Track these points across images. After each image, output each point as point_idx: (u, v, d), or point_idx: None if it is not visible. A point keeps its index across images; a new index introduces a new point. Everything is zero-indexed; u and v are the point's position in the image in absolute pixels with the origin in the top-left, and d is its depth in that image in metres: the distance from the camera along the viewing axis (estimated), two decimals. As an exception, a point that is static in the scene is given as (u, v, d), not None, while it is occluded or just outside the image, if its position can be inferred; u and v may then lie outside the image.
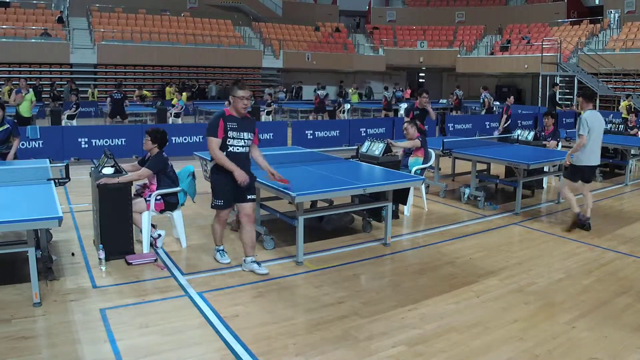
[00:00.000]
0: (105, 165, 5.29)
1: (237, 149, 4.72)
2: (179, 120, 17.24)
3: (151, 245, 5.53)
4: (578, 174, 6.48)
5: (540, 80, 24.23)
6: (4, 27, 21.76)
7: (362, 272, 5.09)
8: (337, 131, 13.98)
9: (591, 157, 6.36)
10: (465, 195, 7.85)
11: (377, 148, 6.91)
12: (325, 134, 13.74)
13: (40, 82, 21.34)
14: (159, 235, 5.68)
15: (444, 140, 8.36)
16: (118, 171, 5.27)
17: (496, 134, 12.14)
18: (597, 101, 22.52)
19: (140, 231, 5.41)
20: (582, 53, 24.43)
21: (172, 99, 19.20)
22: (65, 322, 3.90)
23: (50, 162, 6.33)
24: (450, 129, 15.72)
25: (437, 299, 4.45)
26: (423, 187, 7.53)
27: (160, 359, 3.46)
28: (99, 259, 5.05)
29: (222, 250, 5.23)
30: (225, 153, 4.67)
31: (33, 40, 21.53)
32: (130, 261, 5.11)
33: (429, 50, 29.62)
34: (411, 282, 4.82)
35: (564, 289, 4.69)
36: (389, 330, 3.88)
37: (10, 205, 4.30)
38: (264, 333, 3.82)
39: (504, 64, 27.24)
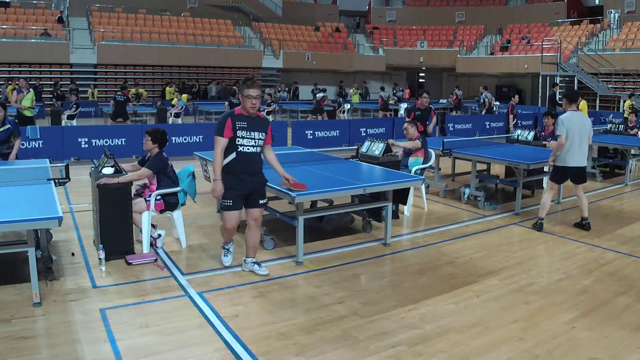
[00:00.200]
0: (105, 165, 5.29)
1: (247, 149, 4.56)
2: (179, 120, 17.23)
3: (151, 245, 5.53)
4: (562, 175, 6.47)
5: (540, 80, 24.24)
6: (4, 27, 21.77)
7: (362, 272, 5.09)
8: (337, 131, 13.98)
9: (574, 158, 6.29)
10: (465, 195, 7.85)
11: (377, 148, 6.91)
12: (325, 134, 13.74)
13: (40, 82, 21.35)
14: (159, 235, 5.68)
15: (444, 140, 8.36)
16: (118, 171, 5.27)
17: (512, 129, 12.25)
18: (597, 101, 22.56)
19: (140, 231, 5.41)
20: (582, 53, 24.44)
21: (172, 99, 19.20)
22: (65, 322, 3.90)
23: (50, 162, 6.33)
24: (450, 129, 15.72)
25: (437, 299, 4.45)
26: (423, 187, 7.53)
27: (160, 359, 3.46)
28: (99, 259, 5.05)
29: (228, 249, 5.08)
30: (235, 153, 4.53)
31: (33, 40, 21.54)
32: (130, 261, 5.11)
33: (429, 50, 29.62)
34: (411, 282, 4.82)
35: (564, 289, 4.69)
36: (389, 330, 3.88)
37: (10, 205, 4.30)
38: (264, 333, 3.82)
39: (504, 64, 27.24)
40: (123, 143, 11.15)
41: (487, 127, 16.84)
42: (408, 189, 6.08)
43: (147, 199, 5.45)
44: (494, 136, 13.99)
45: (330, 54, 28.48)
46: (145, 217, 5.36)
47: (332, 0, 35.01)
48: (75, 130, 12.28)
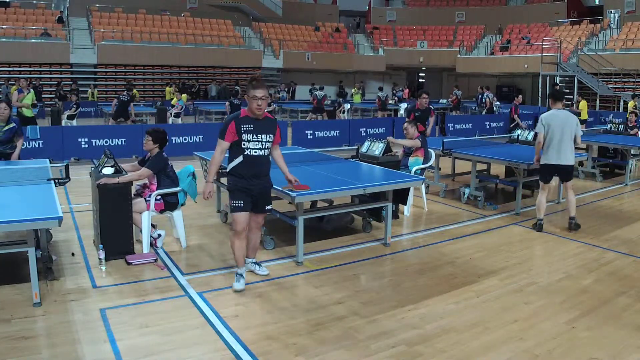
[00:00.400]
0: (105, 165, 5.29)
1: (255, 152, 4.38)
2: (179, 120, 17.23)
3: (151, 245, 5.53)
4: (547, 172, 6.46)
5: (540, 80, 24.24)
6: (4, 27, 21.77)
7: (362, 272, 5.09)
8: (337, 131, 13.99)
9: (556, 155, 6.27)
10: (465, 195, 7.85)
11: (377, 148, 6.91)
12: (325, 134, 13.74)
13: (41, 82, 21.35)
14: (159, 235, 5.68)
15: (444, 140, 8.37)
16: (118, 171, 5.27)
17: (524, 125, 12.34)
18: (597, 101, 22.56)
19: (140, 231, 5.41)
20: (582, 53, 24.44)
21: (171, 99, 19.20)
22: (65, 322, 3.90)
23: (50, 162, 6.34)
24: (450, 129, 15.72)
25: (437, 299, 4.45)
26: (423, 187, 7.53)
27: (160, 359, 3.46)
28: (99, 259, 5.05)
29: (241, 275, 4.58)
30: (242, 156, 4.37)
31: (33, 40, 21.53)
32: (130, 261, 5.11)
33: (429, 50, 29.62)
34: (411, 282, 4.82)
35: (564, 289, 4.69)
36: (389, 330, 3.88)
37: (10, 205, 4.30)
38: (264, 333, 3.82)
39: (504, 64, 27.24)
40: (123, 143, 11.15)
41: (487, 127, 16.84)
42: (408, 189, 6.08)
43: (147, 199, 5.45)
44: (494, 136, 14.00)
45: (330, 54, 28.49)
46: (145, 217, 5.36)
47: (332, 0, 35.01)
48: (75, 130, 12.29)
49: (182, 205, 5.72)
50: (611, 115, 17.11)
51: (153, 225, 5.64)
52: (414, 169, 7.35)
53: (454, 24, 31.82)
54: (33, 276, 4.11)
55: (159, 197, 5.49)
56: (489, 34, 30.49)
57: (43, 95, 20.04)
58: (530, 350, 3.60)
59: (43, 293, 4.31)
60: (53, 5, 25.33)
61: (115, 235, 5.17)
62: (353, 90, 25.59)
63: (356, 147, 7.45)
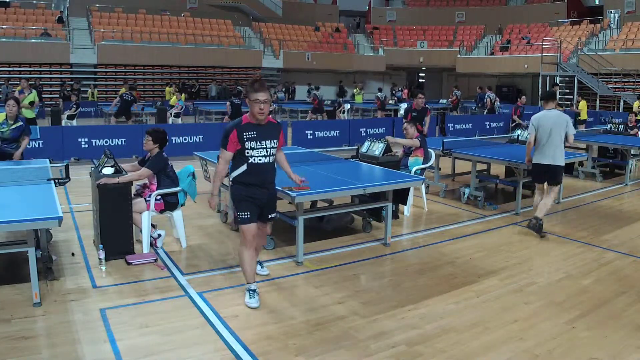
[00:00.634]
0: (105, 165, 5.29)
1: (260, 160, 4.13)
2: (179, 120, 17.23)
3: (151, 245, 5.53)
4: (536, 172, 6.46)
5: (540, 80, 24.23)
6: (4, 27, 21.76)
7: (362, 272, 5.09)
8: (337, 131, 13.98)
9: (541, 155, 6.26)
10: (465, 195, 7.85)
11: (377, 148, 6.91)
12: (325, 134, 13.74)
13: (41, 82, 21.34)
14: (159, 235, 5.68)
15: (444, 140, 8.37)
16: (118, 171, 5.27)
17: (525, 124, 12.40)
18: (597, 101, 22.55)
19: (140, 231, 5.41)
20: (582, 53, 24.43)
21: (170, 99, 19.18)
22: (65, 322, 3.90)
23: (50, 162, 6.34)
24: (450, 129, 15.72)
25: (437, 299, 4.45)
26: (423, 187, 7.53)
27: (160, 359, 3.46)
28: (99, 259, 5.05)
29: (254, 290, 4.31)
30: (246, 165, 4.12)
31: (33, 40, 21.53)
32: (130, 261, 5.11)
33: (429, 50, 29.61)
34: (411, 282, 4.82)
35: (564, 289, 4.69)
36: (389, 330, 3.88)
37: (10, 205, 4.30)
38: (264, 333, 3.82)
39: (504, 64, 27.23)
40: (123, 143, 11.15)
41: (487, 127, 16.83)
42: (408, 189, 6.08)
43: (147, 199, 5.45)
44: (494, 136, 14.00)
45: (330, 54, 28.48)
46: (145, 217, 5.36)
47: (332, 0, 35.00)
48: (75, 130, 12.28)
49: (182, 205, 5.72)
50: (610, 115, 17.09)
51: (153, 225, 5.64)
52: (414, 169, 7.35)
53: (454, 24, 31.81)
54: (33, 276, 4.11)
55: (159, 197, 5.49)
56: (489, 34, 30.47)
57: (43, 96, 20.00)
58: (530, 350, 3.60)
59: (43, 293, 4.31)
60: (53, 5, 25.31)
61: (115, 235, 5.17)
62: (355, 90, 25.59)
63: (356, 147, 7.45)
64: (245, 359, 3.47)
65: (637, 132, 11.95)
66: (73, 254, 5.34)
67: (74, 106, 16.33)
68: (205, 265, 5.15)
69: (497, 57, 27.83)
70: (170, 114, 17.07)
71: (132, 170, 5.52)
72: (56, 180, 5.19)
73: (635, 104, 15.96)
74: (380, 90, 21.82)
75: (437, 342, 3.71)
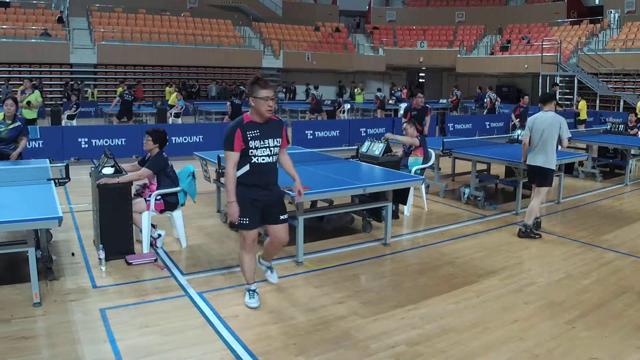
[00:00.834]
0: (105, 165, 5.29)
1: (263, 159, 4.03)
2: (179, 120, 17.24)
3: (151, 245, 5.53)
4: (529, 173, 6.43)
5: (540, 80, 24.23)
6: (4, 27, 21.77)
7: (362, 272, 5.09)
8: (337, 131, 13.99)
9: (532, 157, 6.22)
10: (465, 195, 7.85)
11: (377, 148, 6.91)
12: (325, 134, 13.75)
13: (41, 82, 21.35)
14: (159, 235, 5.68)
15: (444, 140, 8.36)
16: (118, 171, 5.27)
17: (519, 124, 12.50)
18: (597, 101, 22.56)
19: (140, 231, 5.41)
20: (582, 53, 24.43)
21: (169, 99, 19.17)
22: (65, 322, 3.90)
23: (50, 162, 6.34)
24: (450, 129, 15.72)
25: (437, 299, 4.45)
26: (423, 187, 7.53)
27: (160, 359, 3.46)
28: (99, 259, 5.05)
29: (254, 291, 4.29)
30: (248, 165, 4.00)
31: (33, 40, 21.53)
32: (130, 261, 5.11)
33: (429, 50, 29.62)
34: (411, 282, 4.82)
35: (564, 289, 4.69)
36: (389, 330, 3.88)
37: (10, 205, 4.30)
38: (264, 333, 3.82)
39: (504, 64, 27.23)
40: (123, 143, 11.15)
41: (487, 127, 16.83)
42: (408, 189, 6.08)
43: (147, 199, 5.45)
44: (494, 136, 14.00)
45: (330, 54, 28.48)
46: (145, 217, 5.36)
47: (332, 0, 35.01)
48: (75, 130, 12.29)
49: (182, 205, 5.72)
50: (611, 116, 17.10)
51: (153, 225, 5.64)
52: (414, 169, 7.35)
53: (454, 24, 31.81)
54: (33, 276, 4.11)
55: (159, 197, 5.49)
56: (489, 34, 30.48)
57: (43, 96, 20.01)
58: (530, 350, 3.60)
59: (43, 293, 4.31)
60: (53, 5, 25.32)
61: (115, 235, 5.17)
62: (356, 90, 25.59)
63: (356, 147, 7.45)
64: (245, 359, 3.47)
65: (637, 132, 11.95)
66: (73, 254, 5.34)
67: (74, 106, 16.34)
68: (205, 265, 5.15)
69: (497, 57, 27.83)
70: (170, 114, 17.07)
71: (132, 170, 5.52)
72: (56, 180, 5.19)
73: (639, 105, 15.94)
74: (379, 90, 21.81)
75: (437, 342, 3.71)
